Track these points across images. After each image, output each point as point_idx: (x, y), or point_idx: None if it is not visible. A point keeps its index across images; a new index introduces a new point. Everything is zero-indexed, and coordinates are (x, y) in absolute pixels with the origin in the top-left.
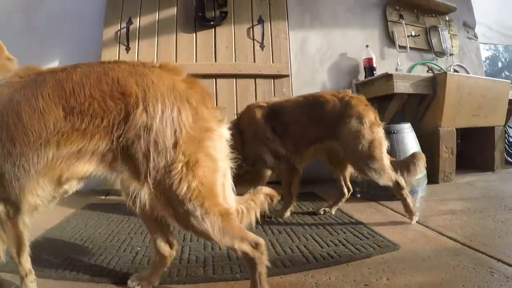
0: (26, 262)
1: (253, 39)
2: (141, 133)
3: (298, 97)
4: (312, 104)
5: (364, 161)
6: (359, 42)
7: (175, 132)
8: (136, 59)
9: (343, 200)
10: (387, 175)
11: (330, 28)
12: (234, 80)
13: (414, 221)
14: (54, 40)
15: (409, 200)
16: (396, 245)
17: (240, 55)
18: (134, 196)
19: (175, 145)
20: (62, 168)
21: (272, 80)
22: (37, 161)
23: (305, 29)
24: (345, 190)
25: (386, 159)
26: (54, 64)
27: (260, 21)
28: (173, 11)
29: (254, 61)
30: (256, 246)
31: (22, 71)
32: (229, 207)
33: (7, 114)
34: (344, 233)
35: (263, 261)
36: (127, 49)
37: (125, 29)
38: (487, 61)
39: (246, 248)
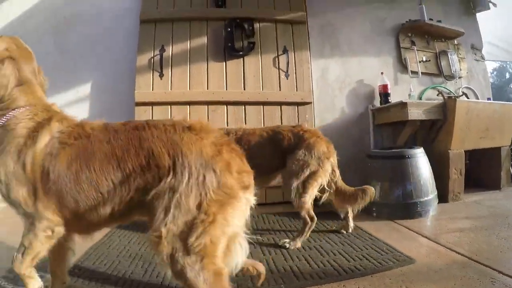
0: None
1: (279, 68)
2: (167, 192)
3: (262, 129)
4: (272, 137)
5: (295, 189)
6: (374, 69)
7: (200, 194)
8: (169, 85)
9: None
10: (306, 208)
11: (348, 56)
12: (262, 107)
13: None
14: (86, 63)
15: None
16: (412, 259)
17: (266, 83)
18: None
19: (199, 206)
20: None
21: (296, 107)
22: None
23: (326, 58)
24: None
25: (313, 193)
26: (87, 87)
27: (285, 51)
28: (204, 40)
29: (280, 89)
30: None
31: (74, 129)
32: (223, 268)
33: (65, 179)
34: (366, 249)
35: None
36: (161, 75)
37: (158, 56)
38: (495, 73)
39: None
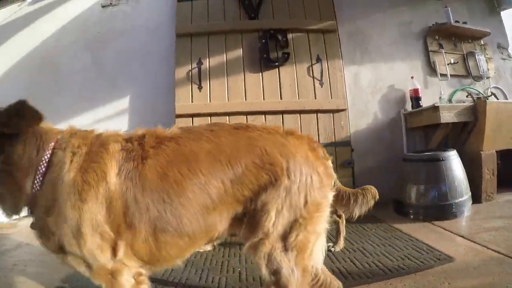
0: None
1: (313, 77)
2: (282, 194)
3: None
4: None
5: None
6: (404, 73)
7: (305, 195)
8: (208, 97)
9: None
10: None
11: (378, 62)
12: (299, 115)
13: None
14: (123, 77)
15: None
16: (452, 258)
17: (302, 92)
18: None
19: (305, 205)
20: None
21: (332, 115)
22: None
23: (357, 64)
24: None
25: None
26: (125, 101)
27: (318, 59)
28: (239, 52)
29: (315, 98)
30: None
31: (139, 139)
32: (309, 265)
33: (162, 195)
34: (407, 249)
35: None
36: (199, 87)
37: (196, 69)
38: None
39: None
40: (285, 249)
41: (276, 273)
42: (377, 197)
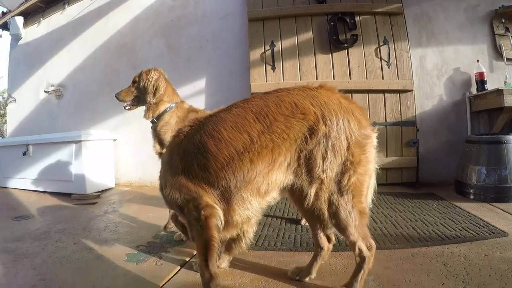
0: (213, 267)
1: (381, 58)
2: (322, 140)
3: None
4: None
5: None
6: (470, 57)
7: (347, 138)
8: (281, 77)
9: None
10: None
11: (444, 45)
12: (367, 95)
13: None
14: (197, 61)
15: None
16: (506, 233)
17: (370, 72)
18: (304, 194)
19: (348, 148)
20: (258, 181)
21: (398, 95)
22: (233, 178)
23: (423, 47)
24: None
25: None
26: (201, 82)
27: (385, 41)
28: (310, 34)
29: (383, 78)
30: (370, 247)
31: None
32: (366, 207)
33: (194, 151)
34: (465, 223)
35: (371, 261)
36: (273, 68)
37: (270, 51)
38: None
39: (364, 247)
40: (341, 192)
41: (335, 216)
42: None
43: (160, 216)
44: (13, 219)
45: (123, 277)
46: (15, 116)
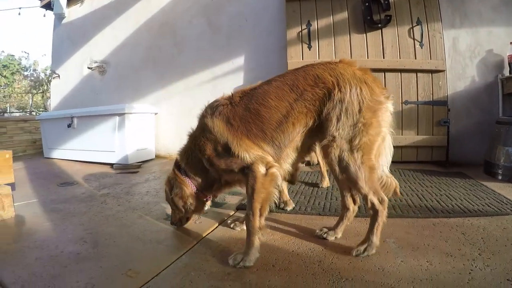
0: (263, 218)
1: (414, 39)
2: (337, 104)
3: None
4: None
5: None
6: (503, 39)
7: (359, 102)
8: (317, 56)
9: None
10: None
11: (477, 27)
12: (400, 74)
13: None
14: (237, 39)
15: None
16: None
17: (403, 52)
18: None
19: (360, 111)
20: (297, 140)
21: (431, 75)
22: (283, 137)
23: (456, 28)
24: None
25: None
26: (240, 59)
27: (418, 22)
28: (345, 15)
29: (415, 58)
30: (382, 201)
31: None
32: (376, 164)
33: (251, 117)
34: (488, 199)
35: (384, 215)
36: (309, 47)
37: (306, 30)
38: None
39: (375, 201)
40: (351, 150)
41: (345, 170)
42: None
43: None
44: (59, 185)
45: (165, 231)
46: (59, 91)
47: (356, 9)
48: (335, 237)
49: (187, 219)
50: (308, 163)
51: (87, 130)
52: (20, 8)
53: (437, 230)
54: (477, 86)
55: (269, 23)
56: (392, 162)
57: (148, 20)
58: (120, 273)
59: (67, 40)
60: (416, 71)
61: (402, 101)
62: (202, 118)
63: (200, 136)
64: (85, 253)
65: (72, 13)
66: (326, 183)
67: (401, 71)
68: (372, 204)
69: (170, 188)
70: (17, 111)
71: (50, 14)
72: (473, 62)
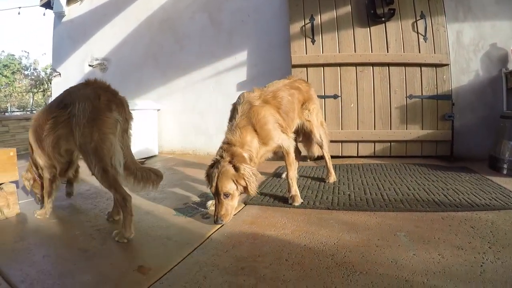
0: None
1: (417, 32)
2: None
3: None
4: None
5: None
6: (507, 33)
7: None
8: (321, 50)
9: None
10: None
11: (480, 20)
12: (404, 68)
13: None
14: (239, 35)
15: None
16: None
17: (407, 46)
18: None
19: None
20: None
21: (435, 68)
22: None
23: (460, 22)
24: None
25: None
26: (242, 54)
27: (422, 16)
28: (348, 9)
29: (419, 52)
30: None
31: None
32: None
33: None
34: (495, 193)
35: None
36: (313, 41)
37: (309, 25)
38: None
39: None
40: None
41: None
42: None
43: (203, 180)
44: (63, 182)
45: (174, 227)
46: (60, 89)
47: (360, 3)
48: None
49: None
50: (305, 158)
51: None
52: (19, 7)
53: (446, 224)
54: (481, 80)
55: (272, 18)
56: (397, 157)
57: (149, 17)
58: (132, 269)
59: (68, 38)
60: (420, 65)
61: (406, 95)
62: None
63: None
64: (93, 250)
65: (72, 12)
66: (332, 178)
67: (405, 65)
68: None
69: None
70: (18, 110)
71: (49, 13)
72: (477, 56)
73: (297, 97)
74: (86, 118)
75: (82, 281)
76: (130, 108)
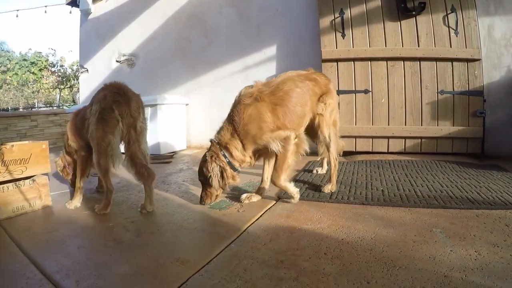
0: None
1: (448, 26)
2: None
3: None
4: None
5: None
6: None
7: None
8: (351, 44)
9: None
10: None
11: None
12: (435, 62)
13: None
14: (268, 29)
15: None
16: None
17: (438, 41)
18: None
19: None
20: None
21: (466, 63)
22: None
23: (491, 16)
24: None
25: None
26: (271, 49)
27: (453, 9)
28: (378, 2)
29: (451, 46)
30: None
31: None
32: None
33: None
34: None
35: None
36: (343, 35)
37: (339, 19)
38: None
39: None
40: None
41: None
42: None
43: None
44: (93, 175)
45: (209, 220)
46: (88, 85)
47: None
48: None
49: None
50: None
51: None
52: (46, 6)
53: (481, 221)
54: None
55: (301, 12)
56: (428, 153)
57: (176, 12)
58: (169, 261)
59: (94, 35)
60: (451, 59)
61: (438, 90)
62: None
63: None
64: (128, 241)
65: (98, 9)
66: (330, 187)
67: (436, 59)
68: None
69: None
70: (45, 106)
71: (76, 11)
72: (508, 51)
73: (311, 88)
74: (96, 118)
75: (119, 273)
76: (159, 102)
